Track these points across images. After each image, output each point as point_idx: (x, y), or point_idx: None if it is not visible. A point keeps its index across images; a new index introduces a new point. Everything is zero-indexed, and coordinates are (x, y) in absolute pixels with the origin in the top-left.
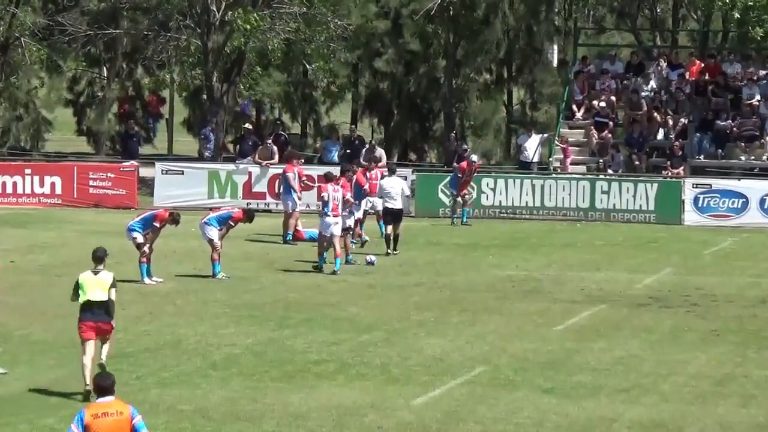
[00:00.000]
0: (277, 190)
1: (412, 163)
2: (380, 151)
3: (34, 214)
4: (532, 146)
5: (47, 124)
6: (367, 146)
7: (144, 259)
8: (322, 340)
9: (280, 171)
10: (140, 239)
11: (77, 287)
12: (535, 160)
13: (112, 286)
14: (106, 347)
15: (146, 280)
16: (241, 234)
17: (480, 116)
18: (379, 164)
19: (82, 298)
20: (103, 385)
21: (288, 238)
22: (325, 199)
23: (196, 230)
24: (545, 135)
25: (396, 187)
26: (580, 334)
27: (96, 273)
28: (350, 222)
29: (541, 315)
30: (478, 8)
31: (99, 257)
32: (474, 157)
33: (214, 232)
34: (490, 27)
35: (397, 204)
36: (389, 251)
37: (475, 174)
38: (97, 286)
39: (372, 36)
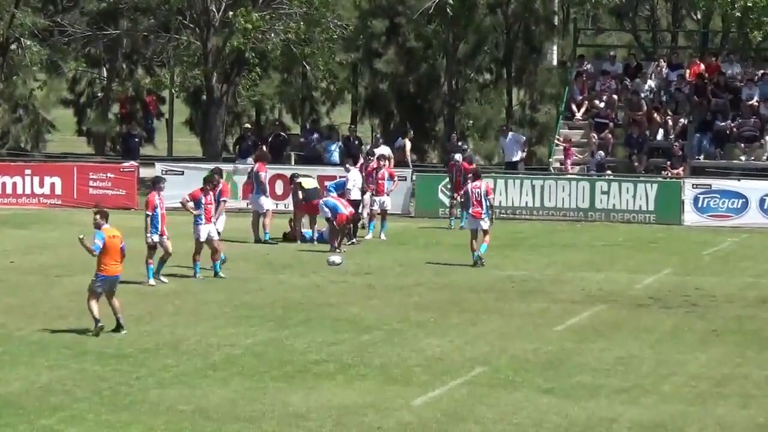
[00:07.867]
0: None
1: (412, 163)
2: (386, 149)
3: (34, 214)
4: (510, 146)
5: (48, 124)
6: (369, 146)
7: (150, 261)
8: (321, 340)
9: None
10: (155, 239)
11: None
12: (516, 159)
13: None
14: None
15: (151, 281)
16: (239, 236)
17: (481, 117)
18: (388, 163)
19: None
20: (108, 214)
21: (267, 238)
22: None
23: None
24: (520, 135)
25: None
26: (579, 334)
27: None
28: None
29: (541, 315)
30: (476, 8)
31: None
32: (457, 157)
33: (200, 230)
34: (488, 26)
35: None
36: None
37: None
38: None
39: (371, 36)
